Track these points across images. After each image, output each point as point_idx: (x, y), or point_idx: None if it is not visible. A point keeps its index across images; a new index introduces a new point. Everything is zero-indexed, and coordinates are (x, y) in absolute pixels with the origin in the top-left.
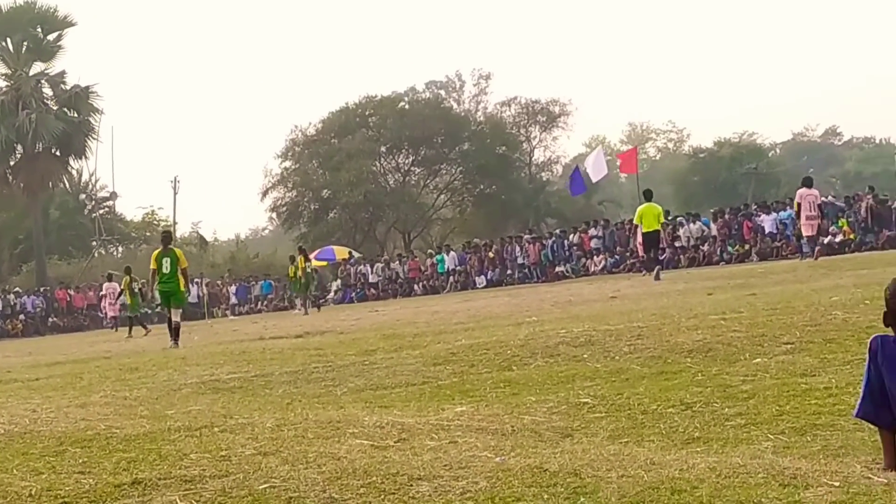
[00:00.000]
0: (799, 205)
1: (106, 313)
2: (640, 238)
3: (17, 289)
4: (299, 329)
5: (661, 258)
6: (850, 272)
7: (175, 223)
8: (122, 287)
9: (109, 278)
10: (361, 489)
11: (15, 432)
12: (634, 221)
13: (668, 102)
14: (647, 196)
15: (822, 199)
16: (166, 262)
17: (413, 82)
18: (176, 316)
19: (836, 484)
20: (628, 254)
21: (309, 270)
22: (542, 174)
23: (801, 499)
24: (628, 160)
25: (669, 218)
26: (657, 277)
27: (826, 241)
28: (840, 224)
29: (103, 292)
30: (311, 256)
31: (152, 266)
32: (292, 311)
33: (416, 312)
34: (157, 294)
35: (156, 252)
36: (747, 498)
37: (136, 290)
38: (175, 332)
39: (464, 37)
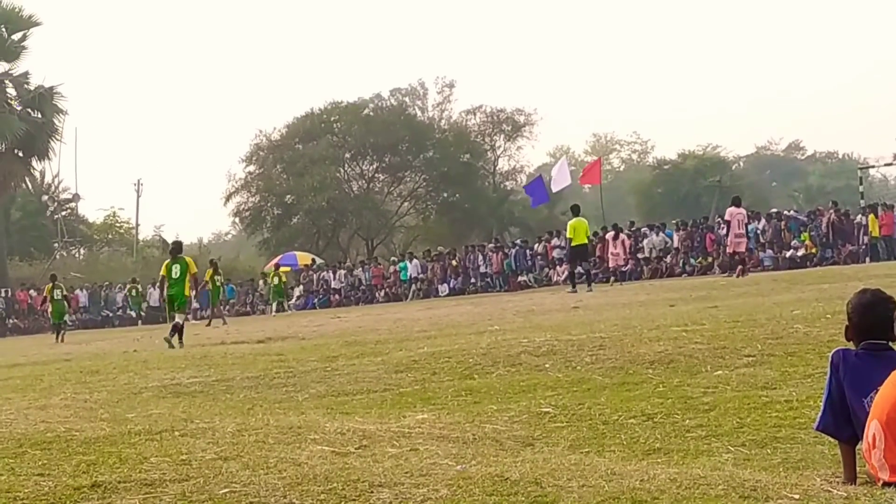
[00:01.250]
0: (728, 223)
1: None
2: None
3: None
4: (261, 334)
5: (591, 271)
6: (812, 286)
7: (137, 226)
8: (45, 294)
9: (53, 279)
10: (322, 495)
11: None
12: (568, 235)
13: (633, 114)
14: (576, 211)
15: (785, 212)
16: (175, 269)
17: (378, 89)
18: (179, 318)
19: (796, 497)
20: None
21: (219, 283)
22: (506, 183)
23: None
24: (592, 172)
25: (633, 229)
26: (587, 289)
27: (788, 254)
28: (802, 238)
29: (45, 294)
30: (273, 262)
31: (162, 273)
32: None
33: (379, 319)
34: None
35: (166, 262)
36: None
37: (60, 298)
38: (179, 332)
39: (429, 44)
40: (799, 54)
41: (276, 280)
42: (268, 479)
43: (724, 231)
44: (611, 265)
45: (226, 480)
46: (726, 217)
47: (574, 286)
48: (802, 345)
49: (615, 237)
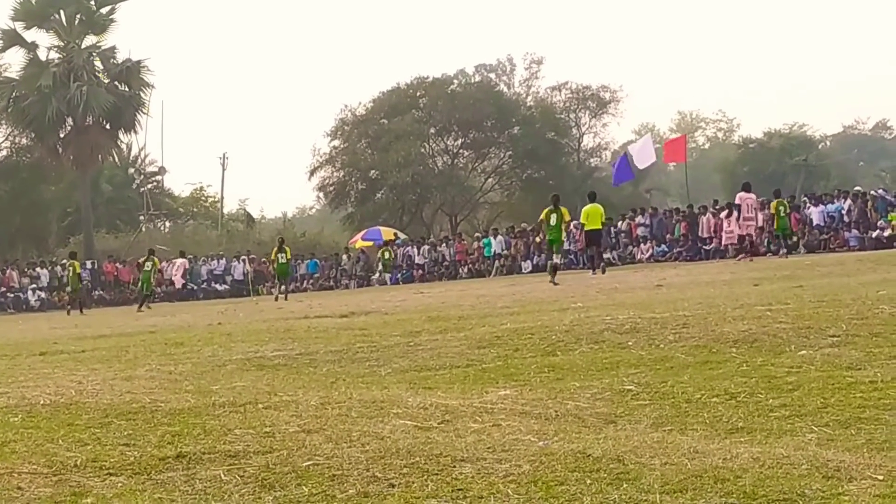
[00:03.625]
0: (738, 206)
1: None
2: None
3: (64, 261)
4: (344, 309)
5: (600, 256)
6: None
7: (222, 199)
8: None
9: (182, 255)
10: (404, 469)
11: (61, 403)
12: (580, 220)
13: (719, 92)
14: (591, 198)
15: (872, 192)
16: (553, 217)
17: (463, 65)
18: (557, 259)
19: (880, 478)
20: (677, 242)
21: (282, 261)
22: (591, 160)
23: (845, 491)
24: (676, 148)
25: (716, 207)
26: (602, 272)
27: (874, 234)
28: (889, 218)
29: (177, 266)
30: (358, 237)
31: (542, 218)
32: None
33: (462, 295)
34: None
35: (546, 210)
36: (790, 489)
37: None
38: (553, 271)
39: (515, 20)
40: (887, 32)
41: (386, 255)
42: (350, 453)
43: (736, 216)
44: (724, 242)
45: (309, 453)
46: (736, 201)
47: (601, 267)
48: (888, 326)
49: (728, 215)
